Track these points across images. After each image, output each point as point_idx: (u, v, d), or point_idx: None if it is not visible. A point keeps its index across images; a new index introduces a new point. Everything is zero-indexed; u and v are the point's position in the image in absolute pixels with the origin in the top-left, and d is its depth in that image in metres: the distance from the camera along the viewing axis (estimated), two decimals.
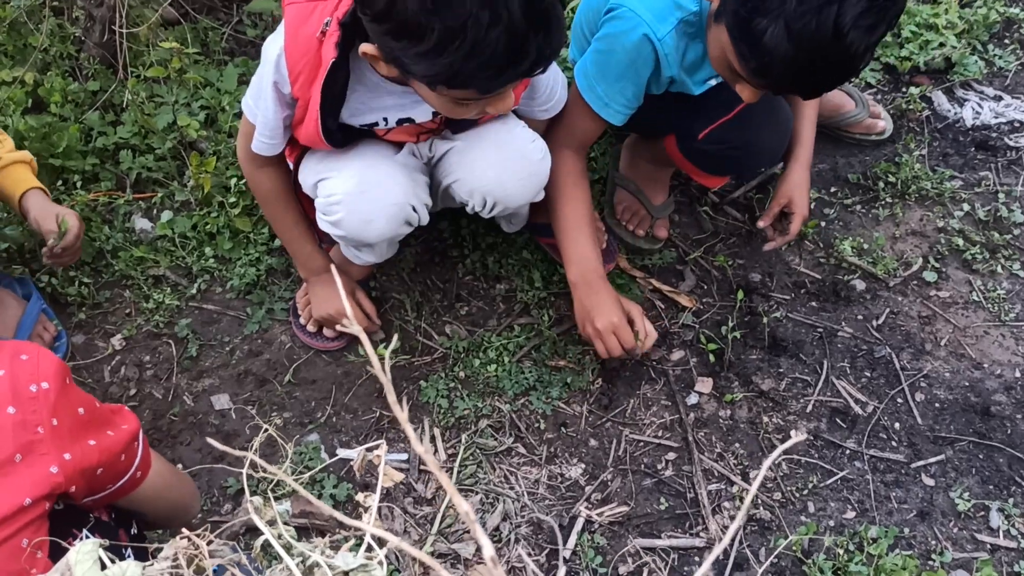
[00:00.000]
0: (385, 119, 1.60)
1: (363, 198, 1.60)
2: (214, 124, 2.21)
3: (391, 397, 0.57)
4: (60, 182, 2.08)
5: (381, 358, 1.88)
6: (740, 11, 1.39)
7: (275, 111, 1.54)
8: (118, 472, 1.15)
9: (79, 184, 2.07)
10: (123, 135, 2.15)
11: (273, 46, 1.49)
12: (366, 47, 1.36)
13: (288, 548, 0.97)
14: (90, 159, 2.11)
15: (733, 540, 1.68)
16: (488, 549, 0.55)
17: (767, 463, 0.54)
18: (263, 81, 1.52)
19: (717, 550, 0.54)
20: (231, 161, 2.12)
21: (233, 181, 2.05)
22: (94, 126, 2.15)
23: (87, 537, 1.11)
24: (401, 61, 1.32)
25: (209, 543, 0.89)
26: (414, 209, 1.67)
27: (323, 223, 1.68)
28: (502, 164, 1.67)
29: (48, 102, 2.13)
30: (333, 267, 1.29)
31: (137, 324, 1.95)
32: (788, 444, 0.56)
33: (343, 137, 1.59)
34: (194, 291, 2.00)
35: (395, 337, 1.93)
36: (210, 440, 0.68)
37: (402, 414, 0.58)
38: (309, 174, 1.68)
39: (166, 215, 2.07)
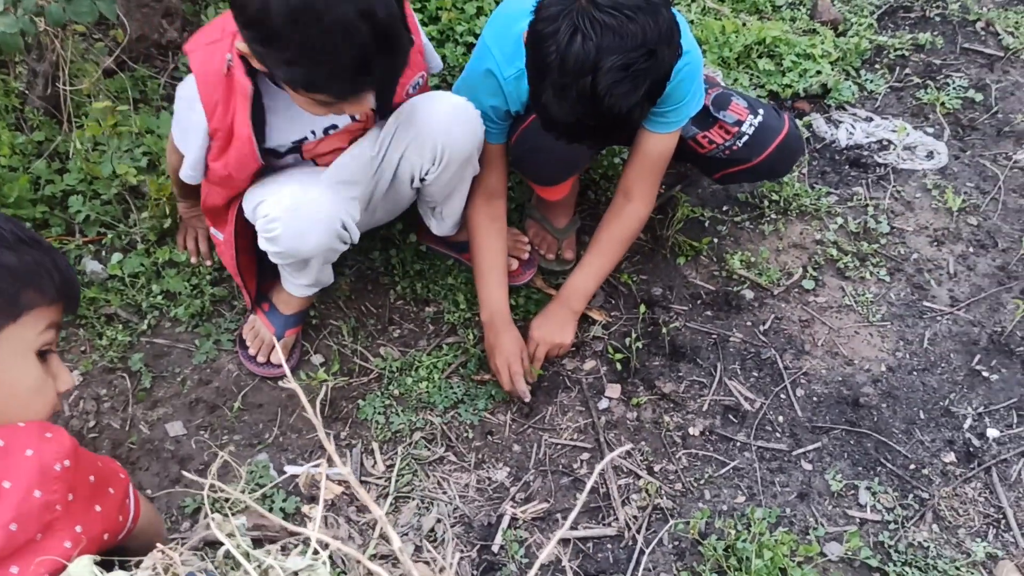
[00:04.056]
0: (312, 131, 1.84)
1: (297, 214, 1.80)
2: (155, 168, 2.37)
3: (322, 434, 0.78)
4: None
5: (323, 382, 2.08)
6: (528, 73, 1.65)
7: (199, 147, 1.79)
8: (118, 530, 1.27)
9: None
10: (70, 182, 2.30)
11: (187, 88, 1.73)
12: (239, 45, 1.60)
13: (246, 555, 1.17)
14: (40, 207, 2.25)
15: (640, 527, 1.92)
16: (396, 541, 0.76)
17: (598, 468, 0.75)
18: (188, 120, 1.76)
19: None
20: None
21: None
22: (41, 175, 2.30)
23: None
24: (266, 64, 1.56)
25: (180, 554, 1.08)
26: (344, 227, 1.87)
27: (263, 243, 1.86)
28: (445, 112, 1.87)
29: None
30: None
31: (92, 360, 2.11)
32: (612, 456, 0.77)
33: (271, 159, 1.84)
34: (144, 327, 2.17)
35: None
36: (205, 479, 0.87)
37: (330, 446, 0.79)
38: (249, 202, 1.88)
39: (116, 257, 2.23)
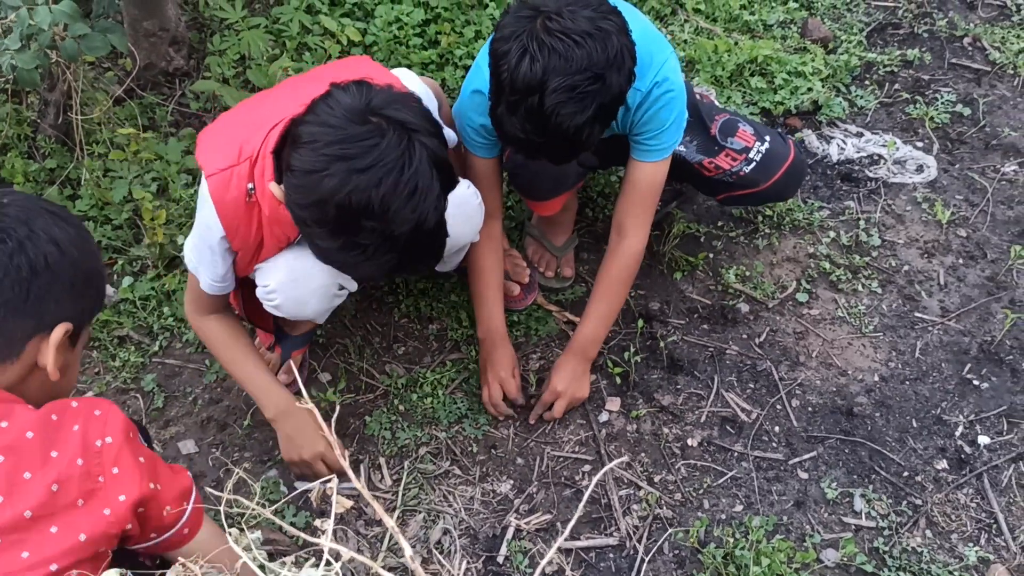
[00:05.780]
0: None
1: (294, 285, 1.83)
2: (165, 193, 2.44)
3: (339, 453, 0.83)
4: None
5: (332, 403, 2.14)
6: (489, 87, 1.73)
7: (222, 264, 1.80)
8: (163, 525, 1.32)
9: None
10: (81, 208, 2.37)
11: (205, 213, 1.73)
12: (275, 189, 1.61)
13: (262, 568, 1.22)
14: None
15: (641, 537, 1.97)
16: (407, 550, 0.82)
17: (596, 478, 0.81)
18: (205, 244, 1.76)
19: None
20: (182, 222, 2.35)
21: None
22: (54, 201, 2.36)
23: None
24: (304, 233, 1.60)
25: (201, 567, 1.14)
26: (340, 286, 1.92)
27: (266, 305, 1.89)
28: (448, 211, 1.93)
29: (11, 182, 2.34)
30: (301, 401, 1.38)
31: (106, 381, 2.17)
32: (610, 466, 0.83)
33: None
34: (156, 348, 2.23)
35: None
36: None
37: (350, 470, 0.84)
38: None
39: (127, 280, 2.29)
